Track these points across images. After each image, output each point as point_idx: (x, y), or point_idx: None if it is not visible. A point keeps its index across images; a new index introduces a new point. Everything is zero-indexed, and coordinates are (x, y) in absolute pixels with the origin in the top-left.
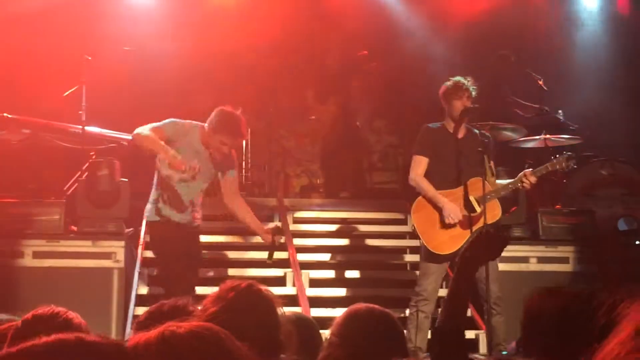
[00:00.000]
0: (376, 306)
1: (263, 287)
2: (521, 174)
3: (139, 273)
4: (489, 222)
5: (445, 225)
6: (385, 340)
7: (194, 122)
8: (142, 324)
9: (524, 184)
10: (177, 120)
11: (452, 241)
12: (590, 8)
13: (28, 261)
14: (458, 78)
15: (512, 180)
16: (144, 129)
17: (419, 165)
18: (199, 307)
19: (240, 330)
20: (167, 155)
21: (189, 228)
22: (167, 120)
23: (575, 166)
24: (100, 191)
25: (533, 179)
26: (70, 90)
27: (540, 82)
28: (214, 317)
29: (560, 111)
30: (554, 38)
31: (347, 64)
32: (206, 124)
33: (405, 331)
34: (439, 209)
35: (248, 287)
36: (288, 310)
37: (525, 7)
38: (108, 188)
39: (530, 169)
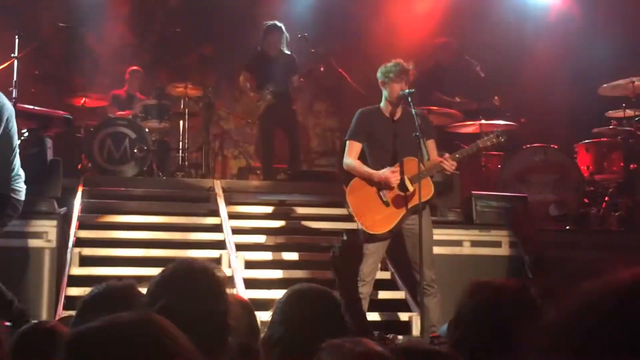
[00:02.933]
0: (318, 286)
1: (216, 268)
2: (440, 159)
3: (72, 253)
4: (423, 199)
5: (379, 205)
6: (327, 319)
7: None
8: (89, 306)
9: (444, 167)
10: None
11: (386, 220)
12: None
13: None
14: (398, 61)
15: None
16: None
17: (352, 150)
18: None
19: (188, 314)
20: None
21: None
22: None
23: (504, 139)
24: (32, 169)
25: (452, 163)
26: (1, 67)
27: (478, 69)
28: (161, 300)
29: (496, 97)
30: (496, 27)
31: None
32: None
33: None
34: (373, 189)
35: (203, 269)
36: None
37: None
38: (40, 166)
39: (448, 154)
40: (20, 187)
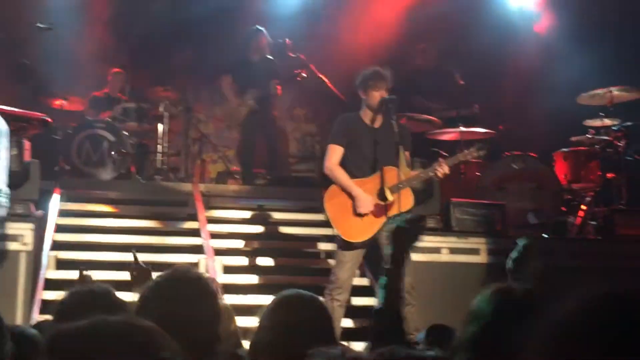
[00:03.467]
0: (305, 292)
1: (210, 277)
2: (435, 163)
3: (48, 256)
4: (402, 210)
5: (358, 214)
6: (315, 326)
7: None
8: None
9: (437, 172)
10: None
11: (365, 229)
12: (515, 9)
13: None
14: (377, 68)
15: (423, 170)
16: None
17: (334, 154)
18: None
19: (179, 321)
20: None
21: None
22: None
23: (485, 158)
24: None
25: (446, 169)
26: None
27: (457, 76)
28: (150, 306)
29: (475, 105)
30: (477, 35)
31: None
32: None
33: None
34: (352, 198)
35: (197, 277)
36: None
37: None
38: (17, 168)
39: (441, 159)
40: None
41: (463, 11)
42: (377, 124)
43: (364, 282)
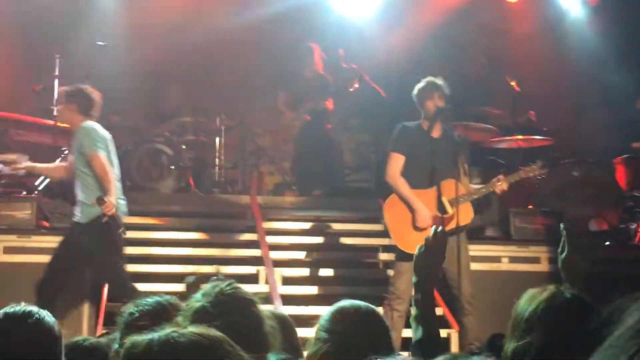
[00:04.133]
0: (362, 302)
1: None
2: (495, 179)
3: None
4: (461, 224)
5: (416, 225)
6: (372, 336)
7: None
8: (135, 322)
9: (496, 189)
10: None
11: (422, 240)
12: (566, 12)
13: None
14: (430, 78)
15: (484, 185)
16: None
17: (395, 162)
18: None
19: (227, 330)
20: None
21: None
22: None
23: (546, 171)
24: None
25: (505, 186)
26: (41, 86)
27: (513, 83)
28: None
29: (532, 112)
30: (529, 41)
31: (323, 77)
32: None
33: None
34: (411, 209)
35: (229, 288)
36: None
37: (502, 9)
38: None
39: (504, 175)
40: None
41: (518, 18)
42: (436, 134)
43: None
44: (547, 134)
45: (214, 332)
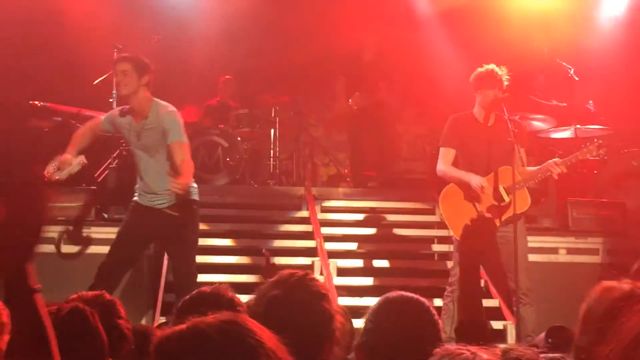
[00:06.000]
0: (409, 294)
1: (317, 278)
2: (548, 163)
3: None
4: (518, 211)
5: (472, 214)
6: (419, 327)
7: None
8: (183, 312)
9: (553, 172)
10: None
11: (480, 230)
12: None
13: (59, 247)
14: (492, 66)
15: (539, 168)
16: None
17: (445, 156)
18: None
19: (294, 322)
20: None
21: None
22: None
23: (605, 156)
24: (130, 180)
25: (563, 168)
26: (100, 78)
27: (572, 72)
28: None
29: (590, 102)
30: (586, 30)
31: (381, 64)
32: None
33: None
34: (467, 198)
35: (303, 277)
36: None
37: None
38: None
39: (557, 159)
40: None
41: (576, 8)
42: (491, 123)
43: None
44: (606, 122)
45: (240, 316)
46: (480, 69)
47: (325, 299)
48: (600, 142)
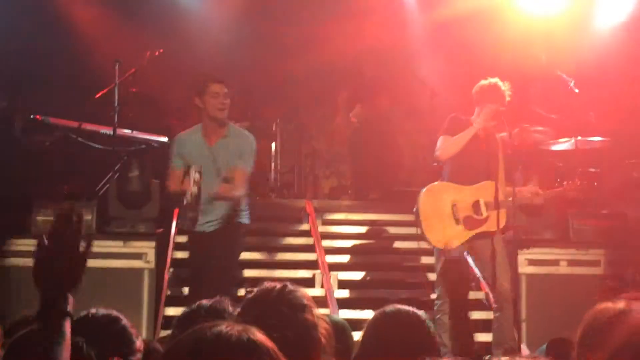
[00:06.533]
0: (406, 307)
1: (297, 288)
2: (531, 188)
3: (170, 274)
4: (492, 229)
5: (448, 219)
6: (416, 339)
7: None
8: (180, 323)
9: (532, 202)
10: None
11: (452, 238)
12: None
13: None
14: (495, 80)
15: (519, 190)
16: None
17: (443, 143)
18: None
19: (277, 337)
20: None
21: None
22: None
23: (586, 190)
24: (132, 192)
25: (541, 200)
26: (101, 93)
27: (572, 84)
28: (251, 319)
29: (591, 113)
30: (587, 39)
31: (382, 77)
32: None
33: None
34: (449, 200)
35: (282, 289)
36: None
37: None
38: (139, 189)
39: (542, 189)
40: None
41: (578, 18)
42: (483, 134)
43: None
44: (606, 135)
45: (247, 330)
46: (483, 82)
47: (306, 309)
48: (581, 182)
